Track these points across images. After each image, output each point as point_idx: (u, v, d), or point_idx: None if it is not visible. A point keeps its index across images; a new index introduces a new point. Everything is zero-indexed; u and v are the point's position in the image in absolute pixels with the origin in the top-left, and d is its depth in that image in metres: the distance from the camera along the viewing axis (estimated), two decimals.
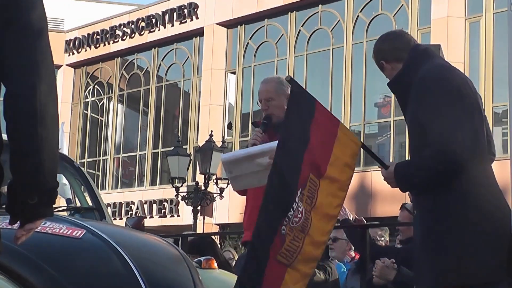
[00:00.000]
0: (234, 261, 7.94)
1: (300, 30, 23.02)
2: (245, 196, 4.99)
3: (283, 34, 23.38)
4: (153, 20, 26.32)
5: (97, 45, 28.21)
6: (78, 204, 5.16)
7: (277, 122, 4.77)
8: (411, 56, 3.75)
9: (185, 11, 25.47)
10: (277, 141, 3.87)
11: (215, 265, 4.25)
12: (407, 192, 4.07)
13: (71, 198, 5.33)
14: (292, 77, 3.81)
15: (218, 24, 24.68)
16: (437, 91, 3.51)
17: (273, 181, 3.53)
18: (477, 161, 3.45)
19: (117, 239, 3.62)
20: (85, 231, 3.64)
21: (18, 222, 2.11)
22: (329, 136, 3.69)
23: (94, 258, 3.57)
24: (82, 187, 5.15)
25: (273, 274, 3.45)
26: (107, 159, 27.78)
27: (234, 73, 24.58)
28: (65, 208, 5.11)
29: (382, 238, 6.16)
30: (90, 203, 5.01)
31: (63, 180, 5.26)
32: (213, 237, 9.02)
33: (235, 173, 4.47)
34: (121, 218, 24.13)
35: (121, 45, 27.42)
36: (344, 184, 3.75)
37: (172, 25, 25.84)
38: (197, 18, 25.20)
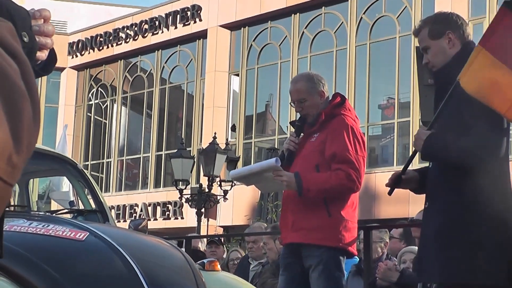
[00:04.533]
0: None
1: (303, 32, 23.01)
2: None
3: (286, 36, 23.37)
4: (157, 22, 26.34)
5: (101, 48, 28.23)
6: (81, 207, 5.16)
7: (311, 121, 4.57)
8: (468, 49, 3.65)
9: (189, 13, 25.48)
10: (272, 159, 4.42)
11: (219, 267, 4.25)
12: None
13: (74, 200, 5.33)
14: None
15: (221, 26, 24.68)
16: None
17: None
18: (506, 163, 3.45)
19: (120, 241, 3.61)
20: (88, 233, 3.64)
21: None
22: None
23: (97, 260, 3.57)
24: (86, 189, 5.14)
25: None
26: (110, 161, 27.79)
27: (237, 75, 24.57)
28: (68, 210, 5.11)
29: (382, 240, 6.12)
30: (93, 206, 5.01)
31: (66, 182, 5.27)
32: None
33: (250, 183, 4.80)
34: (125, 221, 24.12)
35: (124, 47, 27.44)
36: None
37: (176, 28, 25.85)
38: (200, 20, 25.21)
